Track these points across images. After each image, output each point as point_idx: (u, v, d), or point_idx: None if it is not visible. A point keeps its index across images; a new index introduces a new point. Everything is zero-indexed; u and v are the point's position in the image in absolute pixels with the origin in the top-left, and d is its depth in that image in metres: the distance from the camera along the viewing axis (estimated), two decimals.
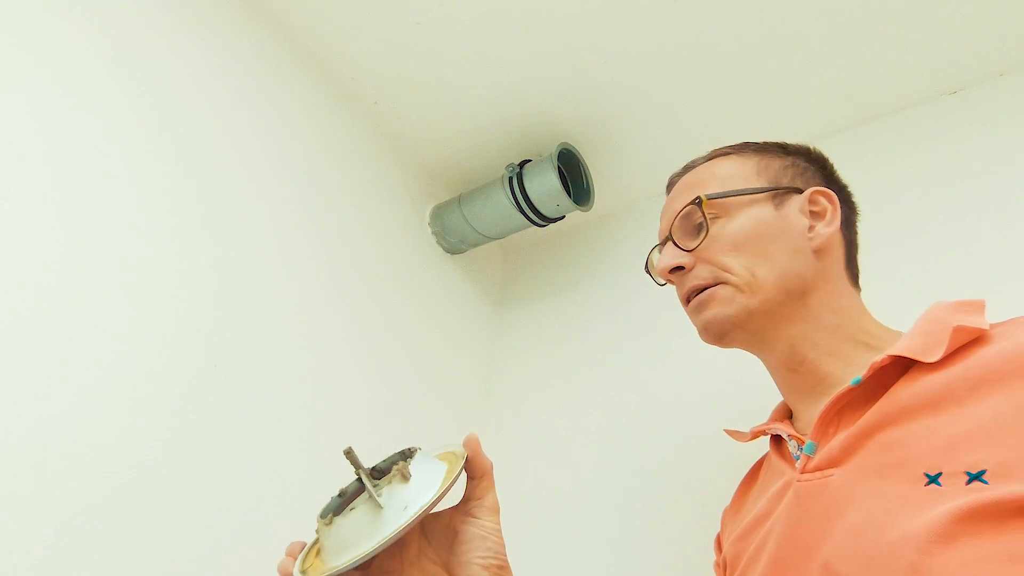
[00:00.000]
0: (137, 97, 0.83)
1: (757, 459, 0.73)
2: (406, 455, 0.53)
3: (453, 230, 1.28)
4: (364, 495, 0.48)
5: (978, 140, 1.02)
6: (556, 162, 1.15)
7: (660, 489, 1.02)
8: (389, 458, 0.53)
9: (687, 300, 0.66)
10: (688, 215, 0.67)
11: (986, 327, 0.50)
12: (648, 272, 0.76)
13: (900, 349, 0.52)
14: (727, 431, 0.74)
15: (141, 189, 0.80)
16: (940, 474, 0.44)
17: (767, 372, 0.69)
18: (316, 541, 0.53)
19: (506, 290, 1.47)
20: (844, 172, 1.13)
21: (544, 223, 1.21)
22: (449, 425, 1.18)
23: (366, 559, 0.45)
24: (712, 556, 0.75)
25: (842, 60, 1.07)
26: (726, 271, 0.62)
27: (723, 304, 0.62)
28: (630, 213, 1.36)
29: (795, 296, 0.61)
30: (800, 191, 0.67)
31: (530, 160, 1.23)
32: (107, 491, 0.67)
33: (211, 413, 0.80)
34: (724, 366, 0.99)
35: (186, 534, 0.73)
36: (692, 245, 0.65)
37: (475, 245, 1.32)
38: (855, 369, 0.57)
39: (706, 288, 0.63)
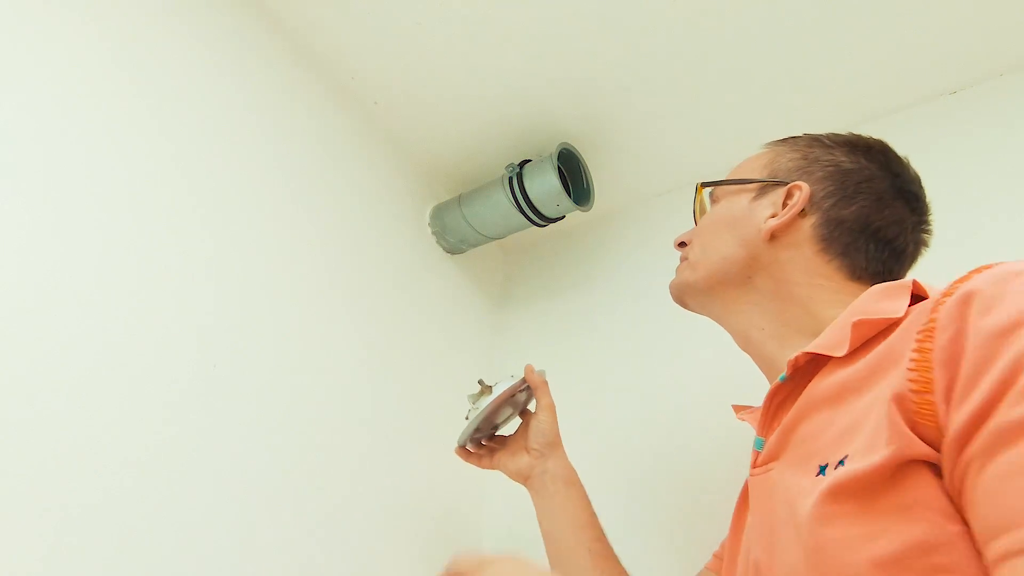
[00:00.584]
0: (135, 96, 0.83)
1: None
2: (488, 384, 0.83)
3: (453, 230, 1.28)
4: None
5: (978, 140, 1.02)
6: (556, 162, 1.15)
7: (660, 488, 1.02)
8: (489, 382, 0.84)
9: None
10: (704, 201, 0.77)
11: (897, 314, 0.49)
12: None
13: (812, 346, 0.54)
14: (735, 406, 0.74)
15: (139, 189, 0.80)
16: (827, 465, 0.46)
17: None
18: None
19: (506, 290, 1.47)
20: None
21: (544, 223, 1.21)
22: (449, 424, 1.17)
23: (466, 435, 0.84)
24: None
25: (842, 60, 1.07)
26: (691, 249, 0.73)
27: (680, 275, 0.74)
28: (630, 213, 1.37)
29: (735, 281, 0.67)
30: (784, 184, 0.67)
31: (530, 160, 1.23)
32: (104, 491, 0.67)
33: (209, 413, 0.79)
34: (724, 366, 0.98)
35: (184, 535, 0.73)
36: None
37: (475, 245, 1.32)
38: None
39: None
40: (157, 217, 0.81)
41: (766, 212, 0.67)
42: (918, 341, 0.43)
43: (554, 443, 0.83)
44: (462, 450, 0.89)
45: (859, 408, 0.47)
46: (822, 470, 0.46)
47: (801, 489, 0.47)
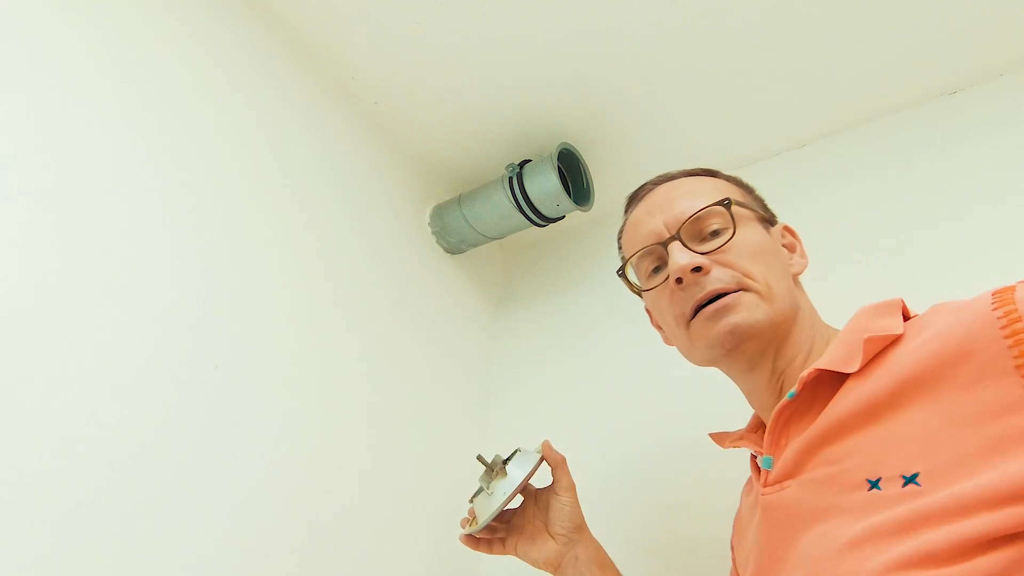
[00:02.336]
0: (134, 96, 0.83)
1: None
2: (508, 459, 0.77)
3: (453, 230, 1.28)
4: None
5: (978, 140, 1.02)
6: (556, 162, 1.15)
7: (660, 488, 1.02)
8: (503, 458, 0.77)
9: (699, 305, 0.61)
10: (699, 219, 0.64)
11: (898, 331, 0.51)
12: (625, 278, 0.72)
13: (823, 363, 0.54)
14: (711, 435, 0.74)
15: (138, 189, 0.80)
16: (880, 479, 0.45)
17: None
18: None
19: (506, 290, 1.47)
20: (844, 172, 1.13)
21: (544, 223, 1.21)
22: (449, 424, 1.18)
23: (484, 526, 0.74)
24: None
25: (842, 60, 1.07)
26: (749, 277, 0.60)
27: (751, 310, 0.59)
28: None
29: (792, 314, 0.62)
30: (773, 223, 0.70)
31: (530, 160, 1.23)
32: (103, 492, 0.67)
33: (208, 413, 0.79)
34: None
35: (182, 535, 0.73)
36: (708, 248, 0.62)
37: (475, 245, 1.32)
38: None
39: (726, 294, 0.60)
40: (156, 217, 0.81)
41: (783, 250, 0.68)
42: (1012, 344, 0.42)
43: (581, 526, 0.77)
44: (469, 538, 0.80)
45: (903, 423, 0.46)
46: (874, 484, 0.45)
47: (845, 505, 0.47)
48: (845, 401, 0.51)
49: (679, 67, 1.10)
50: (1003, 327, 0.43)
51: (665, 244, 0.64)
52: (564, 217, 1.23)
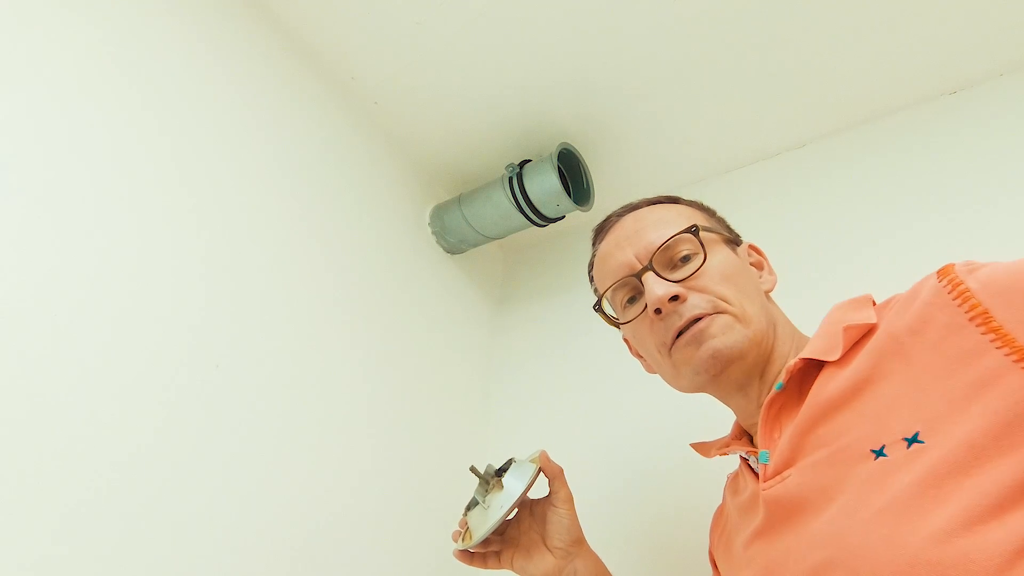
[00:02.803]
0: (134, 96, 0.83)
1: (735, 470, 0.73)
2: (502, 469, 0.74)
3: (453, 230, 1.28)
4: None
5: (978, 140, 1.02)
6: (556, 162, 1.15)
7: (658, 488, 1.02)
8: (496, 468, 0.75)
9: (678, 333, 0.63)
10: (669, 247, 0.65)
11: (873, 320, 0.56)
12: (602, 312, 0.73)
13: (807, 352, 0.58)
14: (692, 445, 0.75)
15: (138, 189, 0.80)
16: (884, 446, 0.48)
17: None
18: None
19: (506, 290, 1.47)
20: (844, 172, 1.14)
21: (544, 223, 1.21)
22: (448, 424, 1.18)
23: (479, 541, 0.69)
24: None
25: (842, 60, 1.07)
26: (724, 300, 0.62)
27: (728, 332, 0.61)
28: None
29: (770, 332, 0.64)
30: (739, 243, 0.72)
31: (530, 160, 1.23)
32: (103, 492, 0.67)
33: (208, 413, 0.79)
34: None
35: (182, 536, 0.73)
36: (680, 276, 0.64)
37: (475, 245, 1.32)
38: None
39: (701, 318, 0.61)
40: (156, 217, 0.81)
41: (752, 269, 0.70)
42: (960, 303, 0.49)
43: (579, 539, 0.75)
44: (463, 553, 0.75)
45: (888, 392, 0.50)
46: (879, 452, 0.48)
47: (856, 477, 0.48)
48: (830, 384, 0.54)
49: (679, 67, 1.10)
50: (949, 292, 0.50)
51: (639, 275, 0.65)
52: (564, 217, 1.23)
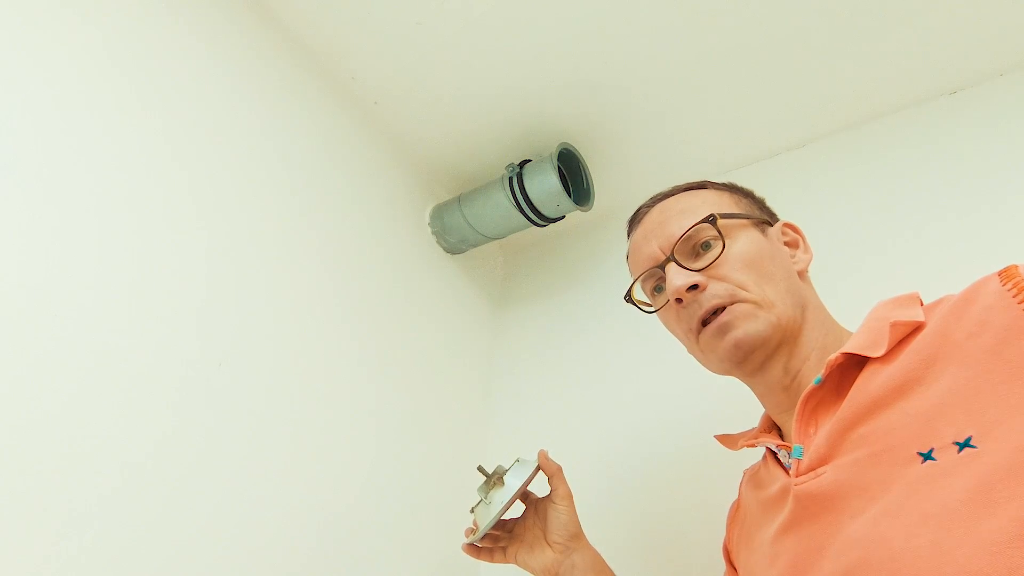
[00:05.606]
0: (134, 96, 0.83)
1: (753, 465, 0.73)
2: (501, 472, 0.78)
3: (453, 230, 1.28)
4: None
5: (978, 140, 1.02)
6: (556, 162, 1.15)
7: (658, 488, 1.02)
8: (503, 469, 0.79)
9: (703, 323, 0.64)
10: (690, 237, 0.67)
11: (921, 319, 0.54)
12: (632, 302, 0.75)
13: (850, 347, 0.56)
14: (717, 437, 0.75)
15: (138, 189, 0.80)
16: (932, 449, 0.46)
17: None
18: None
19: (506, 290, 1.47)
20: (845, 172, 1.14)
21: (544, 223, 1.21)
22: (449, 424, 1.18)
23: (482, 535, 0.76)
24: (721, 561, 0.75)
25: (842, 60, 1.07)
26: (742, 288, 0.63)
27: (749, 320, 0.61)
28: (630, 213, 1.36)
29: (799, 314, 0.63)
30: (772, 223, 0.71)
31: (530, 160, 1.23)
32: (106, 492, 0.67)
33: (208, 414, 0.79)
34: None
35: (185, 536, 0.73)
36: (701, 264, 0.65)
37: (475, 245, 1.32)
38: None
39: (723, 308, 0.63)
40: (157, 217, 0.81)
41: (783, 247, 0.69)
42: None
43: (577, 534, 0.78)
44: (470, 547, 0.81)
45: (938, 394, 0.48)
46: (927, 456, 0.46)
47: (902, 479, 0.47)
48: (874, 382, 0.53)
49: (679, 67, 1.10)
50: (1015, 295, 0.48)
51: (662, 266, 0.67)
52: (564, 217, 1.23)
